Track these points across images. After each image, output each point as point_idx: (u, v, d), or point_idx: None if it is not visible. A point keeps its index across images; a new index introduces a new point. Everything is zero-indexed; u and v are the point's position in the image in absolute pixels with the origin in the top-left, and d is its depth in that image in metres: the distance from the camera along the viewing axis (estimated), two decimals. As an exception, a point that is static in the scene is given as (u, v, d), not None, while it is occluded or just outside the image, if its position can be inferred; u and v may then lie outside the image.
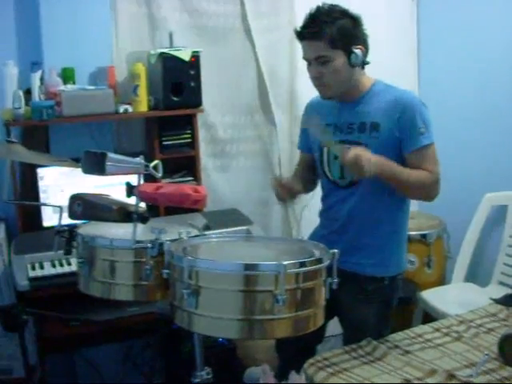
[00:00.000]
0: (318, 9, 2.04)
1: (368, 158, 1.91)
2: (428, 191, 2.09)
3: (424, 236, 3.35)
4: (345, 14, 2.05)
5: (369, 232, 2.14)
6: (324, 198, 2.27)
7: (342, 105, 2.14)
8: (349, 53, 2.02)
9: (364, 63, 2.10)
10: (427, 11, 3.70)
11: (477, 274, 3.40)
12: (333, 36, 1.99)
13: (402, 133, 2.04)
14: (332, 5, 2.06)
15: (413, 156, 2.05)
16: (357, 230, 2.15)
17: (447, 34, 3.58)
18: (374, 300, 2.15)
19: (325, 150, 2.17)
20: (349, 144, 2.05)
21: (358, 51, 2.03)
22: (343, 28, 2.01)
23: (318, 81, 2.07)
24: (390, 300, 2.20)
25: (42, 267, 2.47)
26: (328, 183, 2.21)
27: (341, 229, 2.17)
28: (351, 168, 1.94)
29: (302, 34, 2.05)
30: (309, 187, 2.32)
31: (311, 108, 2.30)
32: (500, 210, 3.32)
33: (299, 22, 2.08)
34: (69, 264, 2.49)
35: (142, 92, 2.89)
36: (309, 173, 2.32)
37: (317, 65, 2.04)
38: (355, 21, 2.06)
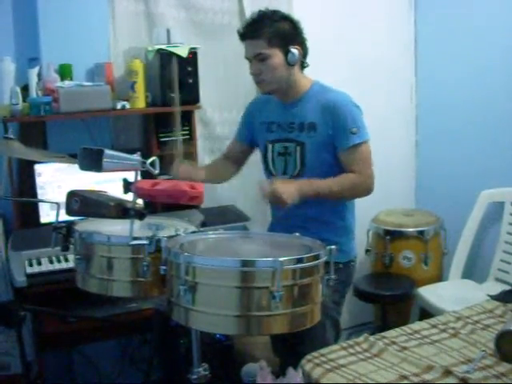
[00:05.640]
0: (260, 12, 2.21)
1: (286, 188, 2.01)
2: (356, 192, 2.20)
3: (421, 233, 3.36)
4: (284, 17, 2.21)
5: (315, 225, 2.21)
6: None
7: (284, 105, 2.28)
8: (286, 52, 2.16)
9: (303, 65, 2.25)
10: (424, 9, 3.69)
11: (474, 271, 3.41)
12: (270, 35, 2.13)
13: (335, 132, 2.17)
14: (274, 10, 2.22)
15: (345, 154, 2.18)
16: (305, 224, 2.19)
17: (444, 32, 3.57)
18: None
19: (269, 147, 2.31)
20: (290, 141, 2.23)
21: (294, 51, 2.16)
22: (281, 29, 2.16)
23: (257, 77, 2.21)
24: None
25: (39, 263, 2.46)
26: (271, 179, 2.29)
27: (288, 223, 2.24)
28: (273, 201, 2.07)
29: (244, 34, 2.20)
30: (222, 178, 2.51)
31: (255, 105, 2.44)
32: (497, 206, 3.32)
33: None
34: (66, 260, 2.48)
35: (140, 88, 2.89)
36: (232, 164, 2.51)
37: (256, 62, 2.18)
38: (294, 24, 2.21)
